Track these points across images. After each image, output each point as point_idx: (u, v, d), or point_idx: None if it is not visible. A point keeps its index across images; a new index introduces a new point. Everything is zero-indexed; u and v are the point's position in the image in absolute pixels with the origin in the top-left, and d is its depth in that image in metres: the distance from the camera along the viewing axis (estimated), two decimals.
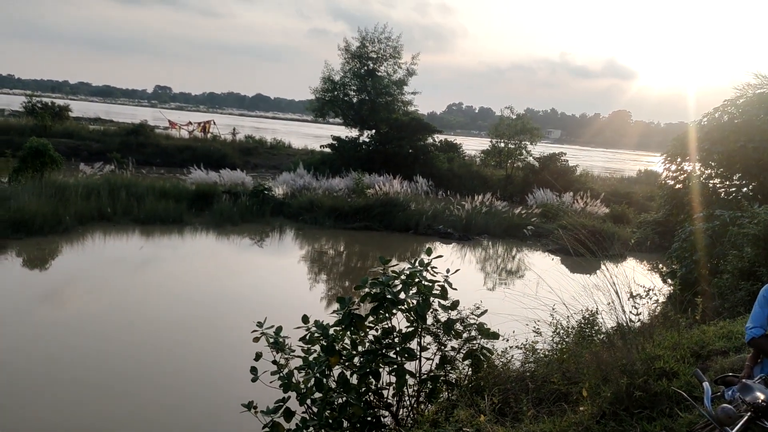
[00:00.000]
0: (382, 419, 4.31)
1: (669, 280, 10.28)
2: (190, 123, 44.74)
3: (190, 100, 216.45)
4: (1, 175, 18.20)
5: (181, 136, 40.43)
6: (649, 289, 5.04)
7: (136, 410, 7.22)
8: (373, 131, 32.42)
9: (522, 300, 5.18)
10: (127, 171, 23.05)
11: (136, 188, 18.97)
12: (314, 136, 67.30)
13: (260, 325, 4.41)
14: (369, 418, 4.16)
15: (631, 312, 4.57)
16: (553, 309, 4.88)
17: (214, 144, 37.57)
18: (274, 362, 4.32)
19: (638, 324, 4.63)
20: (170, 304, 11.39)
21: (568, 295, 5.09)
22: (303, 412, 4.20)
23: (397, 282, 4.20)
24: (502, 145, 33.90)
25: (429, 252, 4.42)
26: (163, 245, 16.18)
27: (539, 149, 35.02)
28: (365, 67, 32.27)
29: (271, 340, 4.38)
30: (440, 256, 4.58)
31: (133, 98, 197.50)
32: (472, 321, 4.27)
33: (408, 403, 4.39)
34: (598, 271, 5.11)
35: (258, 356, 4.30)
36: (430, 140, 32.34)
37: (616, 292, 4.55)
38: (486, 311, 4.37)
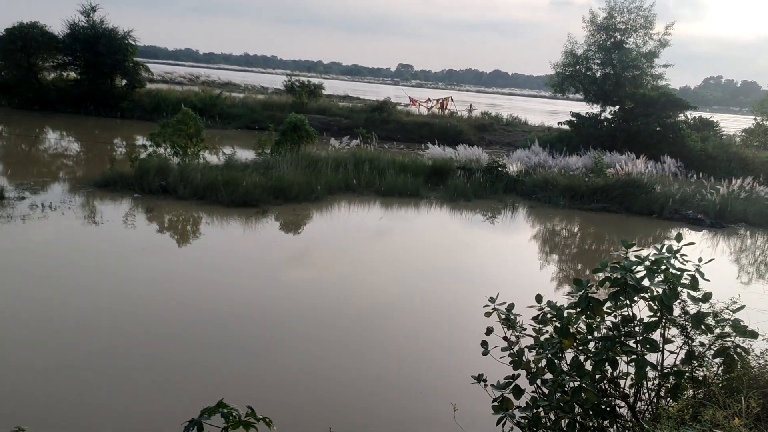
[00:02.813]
0: (617, 409, 4.11)
1: None
2: (429, 100, 46.11)
3: (430, 77, 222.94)
4: (265, 146, 20.38)
5: (420, 112, 41.87)
6: None
7: (366, 369, 7.71)
8: (617, 107, 30.63)
9: None
10: (371, 145, 24.49)
11: (378, 162, 20.11)
12: (551, 112, 65.58)
13: (492, 300, 4.42)
14: (603, 406, 4.00)
15: None
16: None
17: (450, 120, 38.31)
18: (505, 338, 4.32)
19: None
20: (403, 273, 11.93)
21: None
22: (532, 392, 4.16)
23: (640, 268, 3.94)
24: None
25: (679, 238, 4.07)
26: (400, 217, 16.96)
27: None
28: (612, 39, 30.50)
29: (503, 317, 4.37)
30: (691, 243, 4.20)
31: (377, 76, 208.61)
32: (726, 316, 3.87)
33: (647, 396, 4.13)
34: None
35: (489, 331, 4.32)
36: (681, 117, 29.70)
37: None
38: (743, 307, 3.93)
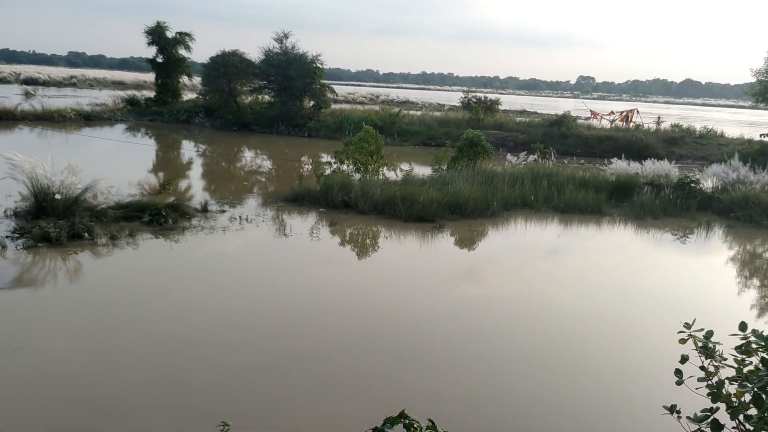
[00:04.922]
0: None
1: None
2: (612, 113, 44.18)
3: (613, 89, 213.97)
4: (441, 162, 20.66)
5: (602, 126, 40.19)
6: None
7: (546, 394, 7.48)
8: None
9: None
10: (549, 161, 23.91)
11: (556, 178, 19.58)
12: (752, 123, 60.02)
13: (688, 326, 4.10)
14: None
15: None
16: None
17: (636, 134, 36.32)
18: (702, 368, 3.99)
19: None
20: (584, 293, 11.47)
21: None
22: (733, 427, 3.80)
23: None
24: None
25: None
26: (579, 235, 16.35)
27: None
28: None
29: (700, 344, 4.04)
30: None
31: (556, 90, 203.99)
32: None
33: None
34: None
35: (684, 359, 4.00)
36: None
37: None
38: None
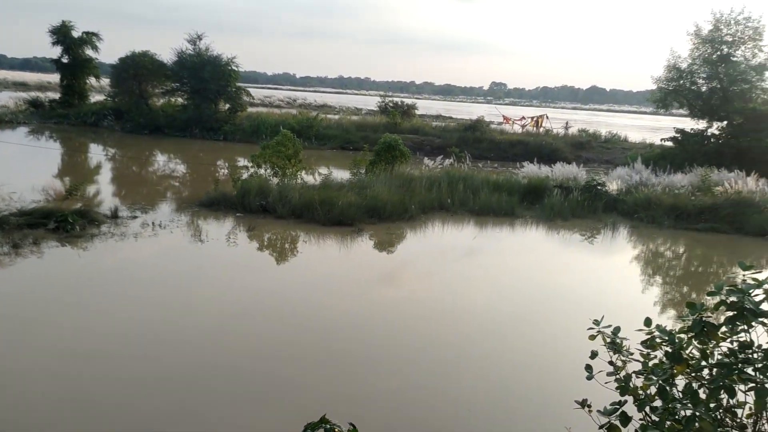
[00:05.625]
0: None
1: None
2: (524, 118, 45.56)
3: (524, 95, 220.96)
4: (359, 166, 20.71)
5: (515, 131, 41.40)
6: None
7: (462, 393, 7.62)
8: (724, 123, 29.16)
9: None
10: (464, 165, 24.41)
11: (471, 181, 20.02)
12: (653, 128, 63.31)
13: (597, 323, 4.28)
14: None
15: None
16: None
17: (545, 138, 37.70)
18: (611, 363, 4.17)
19: None
20: (499, 294, 11.76)
21: None
22: (641, 419, 3.98)
23: (758, 291, 3.71)
24: None
25: None
26: (494, 236, 16.75)
27: None
28: (718, 53, 29.08)
29: (608, 340, 4.22)
30: None
31: (470, 95, 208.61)
32: None
33: (766, 427, 3.87)
34: None
35: (594, 355, 4.17)
36: None
37: None
38: None
